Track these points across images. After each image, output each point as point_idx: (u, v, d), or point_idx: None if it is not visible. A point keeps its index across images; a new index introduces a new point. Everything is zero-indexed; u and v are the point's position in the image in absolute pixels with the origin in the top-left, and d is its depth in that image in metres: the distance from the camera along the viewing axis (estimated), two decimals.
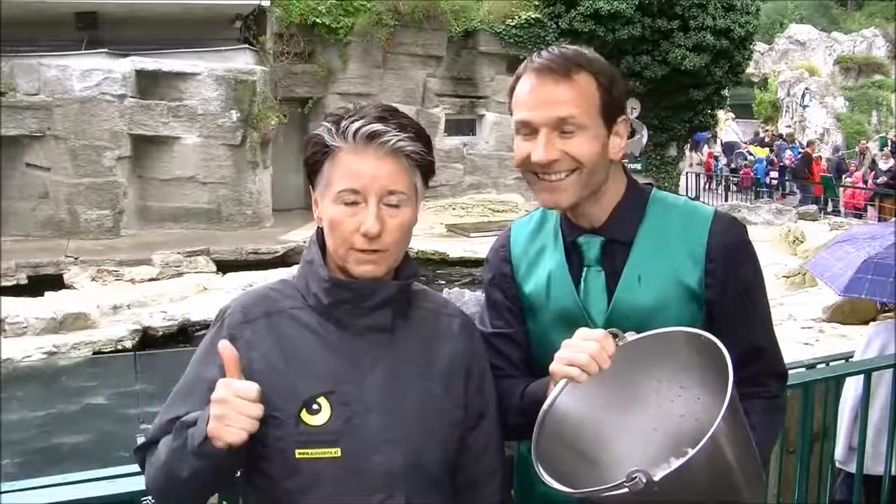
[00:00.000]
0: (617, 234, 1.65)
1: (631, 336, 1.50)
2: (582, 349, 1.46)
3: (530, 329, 1.72)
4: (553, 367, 1.49)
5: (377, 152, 1.43)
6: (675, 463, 1.30)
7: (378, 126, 1.42)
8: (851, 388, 3.49)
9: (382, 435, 1.43)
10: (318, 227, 1.53)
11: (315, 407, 1.42)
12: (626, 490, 1.28)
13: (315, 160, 1.47)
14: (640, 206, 1.67)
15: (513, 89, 1.62)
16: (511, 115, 1.65)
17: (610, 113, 1.59)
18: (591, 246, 1.65)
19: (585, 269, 1.65)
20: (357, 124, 1.42)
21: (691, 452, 1.28)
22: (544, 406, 1.48)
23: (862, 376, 3.12)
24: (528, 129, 1.58)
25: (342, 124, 1.44)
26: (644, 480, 1.26)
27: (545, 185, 1.59)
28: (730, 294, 1.61)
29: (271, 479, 1.43)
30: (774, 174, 22.47)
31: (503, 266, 1.75)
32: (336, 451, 1.41)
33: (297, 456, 1.41)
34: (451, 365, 1.53)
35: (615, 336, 1.49)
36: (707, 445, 1.28)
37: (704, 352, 1.44)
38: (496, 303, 1.75)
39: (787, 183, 22.13)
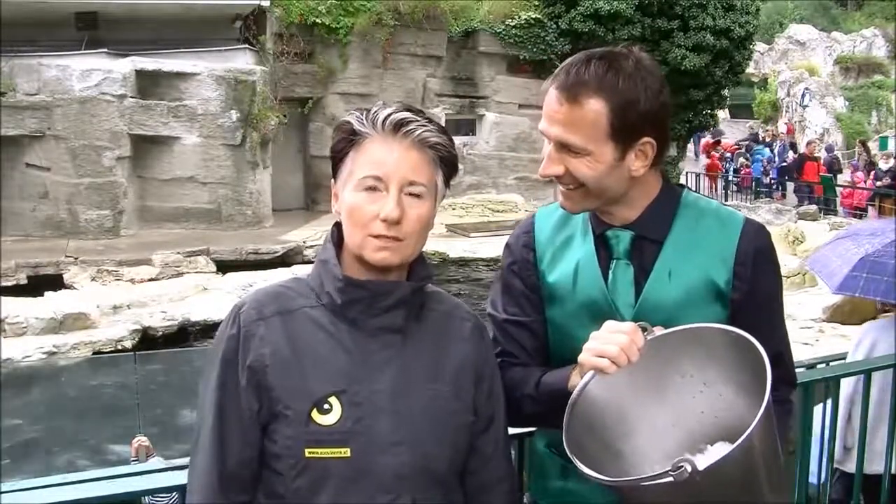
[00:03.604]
0: (648, 231, 1.65)
1: (659, 330, 1.50)
2: (612, 341, 1.46)
3: (551, 318, 1.70)
4: (582, 357, 1.50)
5: (402, 142, 1.45)
6: (718, 452, 1.29)
7: (406, 115, 1.46)
8: (843, 389, 3.48)
9: (392, 436, 1.44)
10: (333, 226, 1.54)
11: (326, 406, 1.42)
12: (670, 479, 1.27)
13: (340, 148, 1.49)
14: (672, 207, 1.67)
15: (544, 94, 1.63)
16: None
17: (623, 136, 1.53)
18: (621, 240, 1.65)
19: (614, 261, 1.65)
20: (386, 112, 1.46)
21: (738, 441, 1.28)
22: (573, 396, 1.49)
23: (857, 377, 3.12)
24: (545, 138, 1.60)
25: (371, 111, 1.47)
26: (689, 470, 1.26)
27: (560, 190, 1.63)
28: (754, 298, 1.62)
29: (281, 476, 1.44)
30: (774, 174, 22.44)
31: (525, 253, 1.73)
32: (345, 452, 1.41)
33: (307, 455, 1.42)
34: (461, 367, 1.53)
35: (644, 329, 1.49)
36: (750, 436, 1.28)
37: (733, 349, 1.45)
38: (513, 289, 1.74)
39: (787, 183, 22.12)
